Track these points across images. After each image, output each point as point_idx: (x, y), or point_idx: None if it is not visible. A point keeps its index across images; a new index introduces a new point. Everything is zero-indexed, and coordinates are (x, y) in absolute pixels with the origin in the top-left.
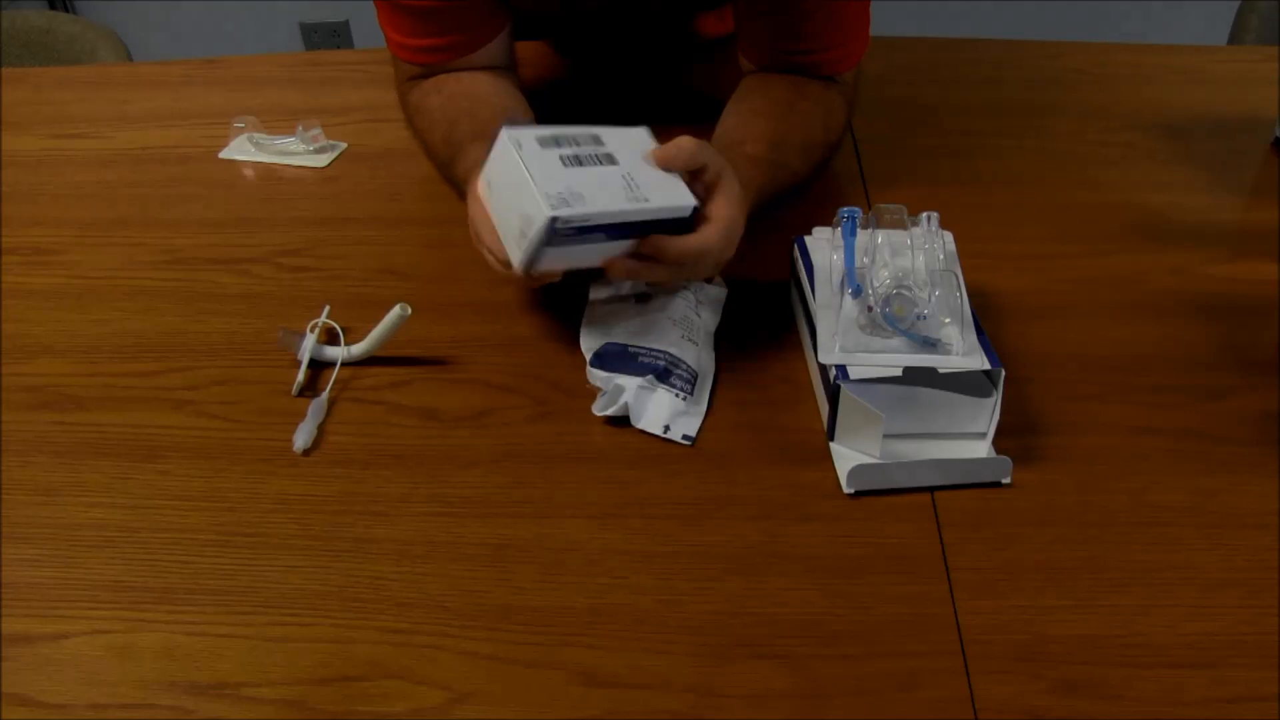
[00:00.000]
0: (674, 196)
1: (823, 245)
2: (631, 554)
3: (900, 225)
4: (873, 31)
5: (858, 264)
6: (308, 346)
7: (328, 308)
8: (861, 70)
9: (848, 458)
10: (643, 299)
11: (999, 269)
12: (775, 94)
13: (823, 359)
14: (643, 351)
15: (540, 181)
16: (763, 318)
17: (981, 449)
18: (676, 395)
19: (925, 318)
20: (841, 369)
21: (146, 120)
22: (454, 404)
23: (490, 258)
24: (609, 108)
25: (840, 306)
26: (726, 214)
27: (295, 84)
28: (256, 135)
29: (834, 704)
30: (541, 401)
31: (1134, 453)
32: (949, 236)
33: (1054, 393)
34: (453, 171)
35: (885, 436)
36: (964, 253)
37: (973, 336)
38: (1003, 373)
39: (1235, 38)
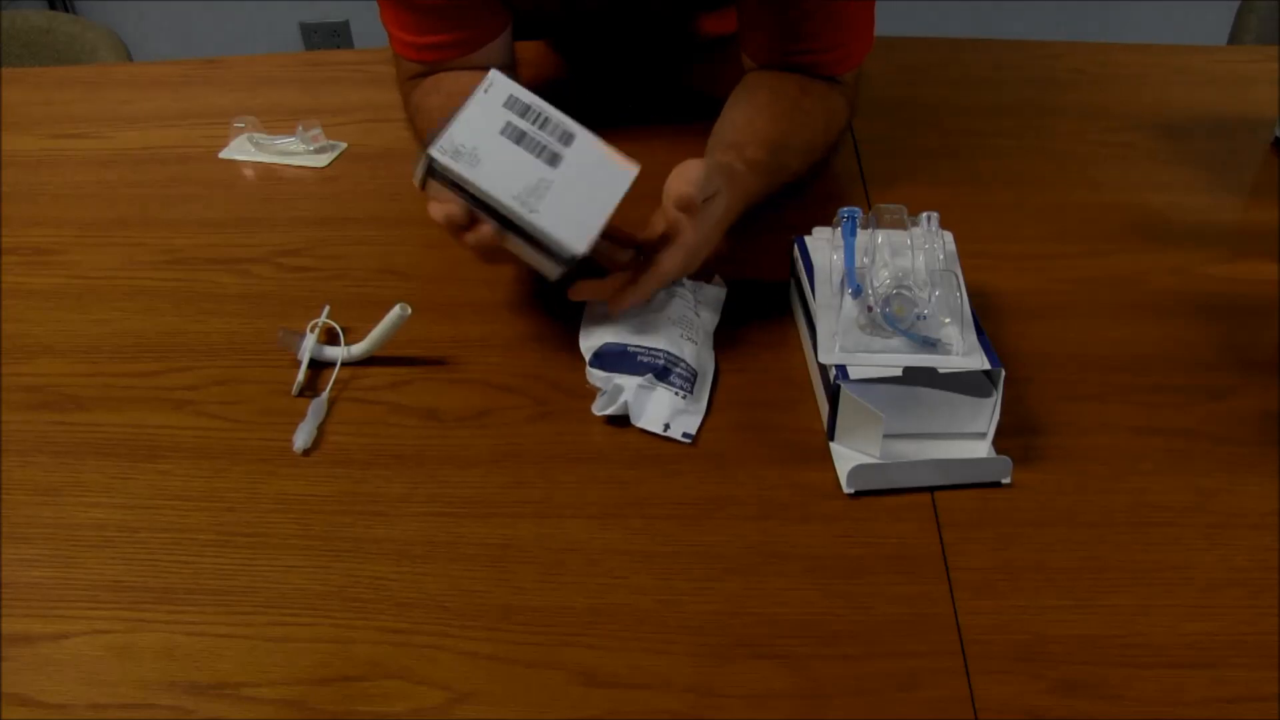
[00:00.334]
0: (567, 229)
1: (823, 245)
2: (631, 554)
3: (900, 225)
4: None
5: (858, 264)
6: (308, 346)
7: (328, 308)
8: (863, 71)
9: (848, 458)
10: None
11: (999, 269)
12: (781, 92)
13: (823, 359)
14: (642, 351)
15: (459, 125)
16: (763, 318)
17: (981, 449)
18: (676, 394)
19: (925, 318)
20: (841, 369)
21: (146, 120)
22: (454, 404)
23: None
24: (609, 108)
25: (840, 306)
26: (692, 240)
27: (295, 84)
28: (256, 135)
29: (834, 704)
30: (541, 401)
31: (1134, 453)
32: (949, 236)
33: (1054, 393)
34: None
35: (885, 436)
36: (964, 253)
37: (973, 336)
38: (1003, 373)
39: (1235, 38)
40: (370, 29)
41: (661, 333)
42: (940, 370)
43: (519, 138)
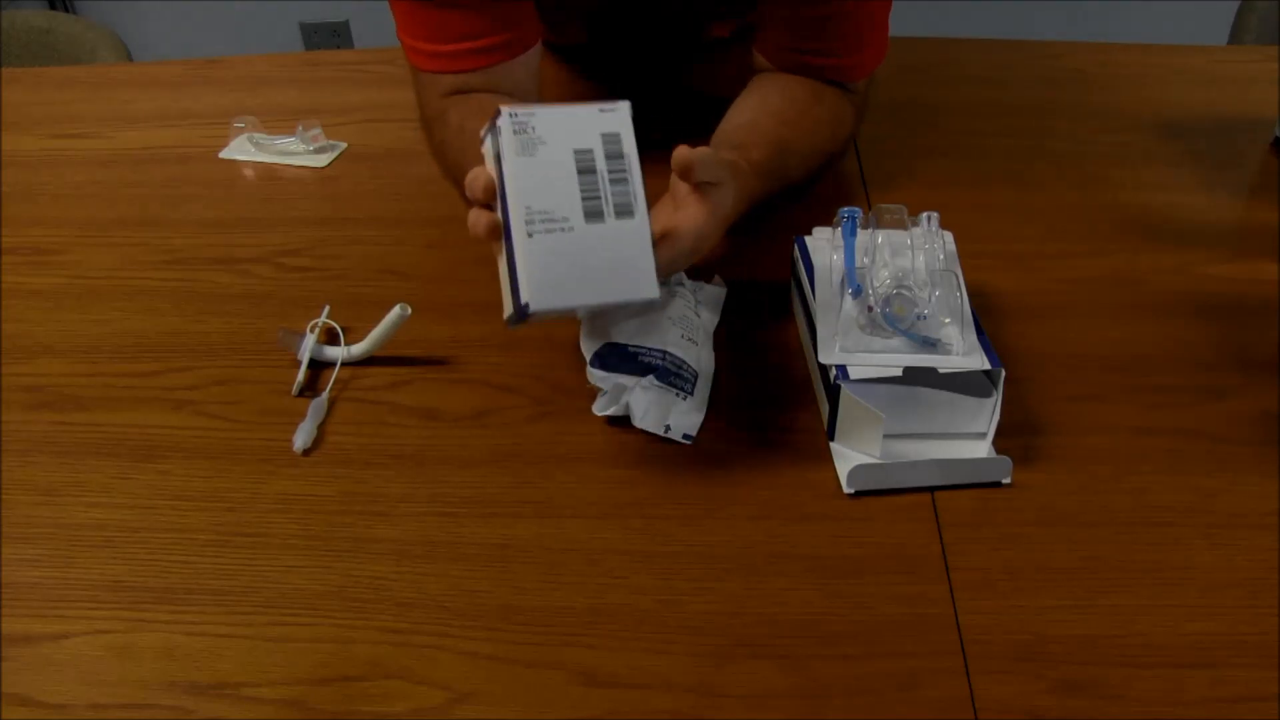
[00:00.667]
0: (540, 280)
1: (823, 245)
2: (631, 554)
3: (900, 225)
4: None
5: (858, 264)
6: (308, 346)
7: (328, 308)
8: (874, 79)
9: (848, 458)
10: None
11: (999, 269)
12: (792, 96)
13: (823, 359)
14: (643, 351)
15: (553, 115)
16: (763, 318)
17: (981, 449)
18: (677, 395)
19: (925, 318)
20: (841, 369)
21: (146, 120)
22: (454, 404)
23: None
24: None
25: (840, 306)
26: (697, 226)
27: (295, 84)
28: (256, 135)
29: (834, 704)
30: (541, 401)
31: (1134, 453)
32: (949, 236)
33: (1054, 393)
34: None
35: (885, 436)
36: (964, 253)
37: (973, 336)
38: (1003, 373)
39: (1235, 38)
40: (370, 29)
41: (662, 333)
42: (940, 370)
43: (586, 169)
